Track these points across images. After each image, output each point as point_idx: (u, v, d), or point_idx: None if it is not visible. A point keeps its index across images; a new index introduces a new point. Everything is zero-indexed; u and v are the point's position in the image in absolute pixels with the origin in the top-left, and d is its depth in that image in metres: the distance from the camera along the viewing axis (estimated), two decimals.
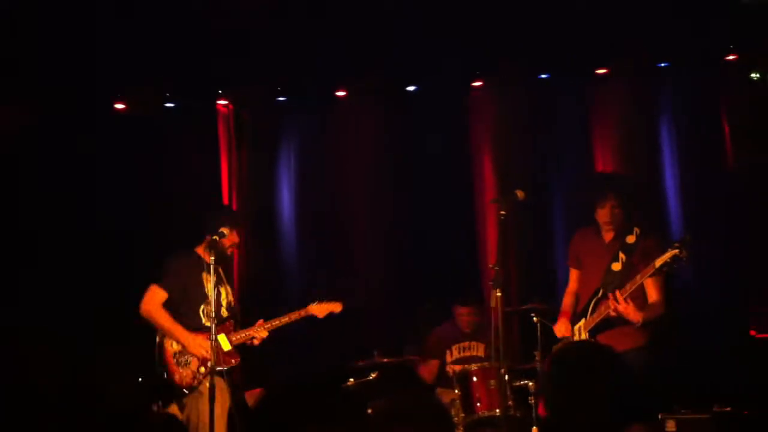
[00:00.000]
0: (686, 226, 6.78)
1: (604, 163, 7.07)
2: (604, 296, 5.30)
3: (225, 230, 5.26)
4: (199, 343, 5.26)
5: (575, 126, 7.11)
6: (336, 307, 5.82)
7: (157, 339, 5.36)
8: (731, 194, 6.71)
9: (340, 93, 7.34)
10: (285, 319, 5.61)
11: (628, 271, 5.25)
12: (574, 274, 5.78)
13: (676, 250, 4.94)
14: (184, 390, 5.25)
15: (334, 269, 7.24)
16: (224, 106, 7.43)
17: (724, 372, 6.15)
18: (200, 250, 5.45)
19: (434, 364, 6.75)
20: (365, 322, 6.95)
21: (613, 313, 5.17)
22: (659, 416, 5.58)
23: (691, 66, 6.86)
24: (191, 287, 5.37)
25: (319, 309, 5.75)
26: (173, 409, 5.24)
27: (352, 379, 6.17)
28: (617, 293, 5.13)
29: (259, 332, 5.52)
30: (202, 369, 5.26)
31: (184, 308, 5.35)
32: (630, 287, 5.12)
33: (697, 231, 6.67)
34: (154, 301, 5.32)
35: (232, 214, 5.77)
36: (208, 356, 5.09)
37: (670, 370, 5.95)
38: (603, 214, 5.47)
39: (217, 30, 6.48)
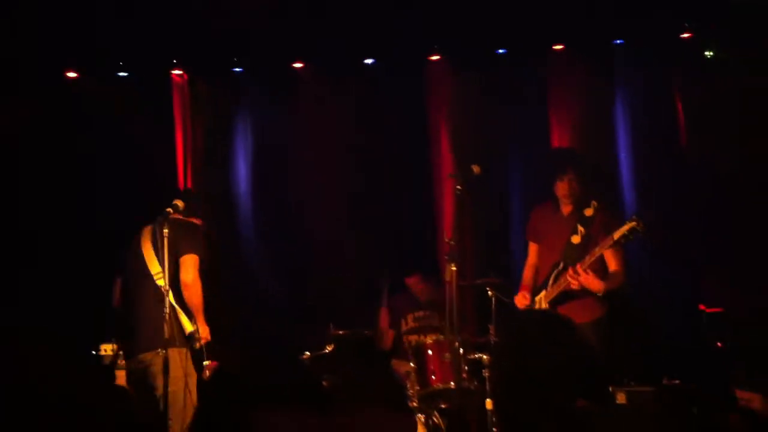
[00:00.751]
0: (639, 201, 6.88)
1: (560, 138, 7.12)
2: (565, 268, 5.38)
3: (178, 203, 5.12)
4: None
5: (532, 102, 7.13)
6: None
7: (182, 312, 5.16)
8: (684, 170, 6.81)
9: (298, 65, 7.27)
10: None
11: (587, 243, 5.34)
12: (533, 248, 5.85)
13: (634, 223, 5.03)
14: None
15: (291, 244, 7.23)
16: (179, 75, 7.33)
17: (673, 346, 6.27)
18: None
19: (390, 335, 6.78)
20: (323, 296, 6.96)
21: (574, 286, 5.24)
22: (609, 389, 5.67)
23: (645, 43, 6.90)
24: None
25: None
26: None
27: (307, 353, 6.17)
28: (577, 266, 5.20)
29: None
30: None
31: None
32: (589, 259, 5.21)
33: (650, 206, 6.85)
34: (197, 272, 5.13)
35: (195, 198, 5.60)
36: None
37: (622, 343, 6.05)
38: (562, 187, 5.56)
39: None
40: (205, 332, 5.13)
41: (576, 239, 5.41)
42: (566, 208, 5.61)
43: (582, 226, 5.41)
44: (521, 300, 5.64)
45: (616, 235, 5.07)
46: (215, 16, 6.54)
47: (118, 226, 6.47)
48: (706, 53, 6.81)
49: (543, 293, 5.58)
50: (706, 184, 6.73)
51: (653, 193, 6.86)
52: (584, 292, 5.31)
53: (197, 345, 5.05)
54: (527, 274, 5.83)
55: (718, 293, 6.43)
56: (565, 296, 5.40)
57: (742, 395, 4.77)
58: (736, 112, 6.52)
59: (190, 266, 5.06)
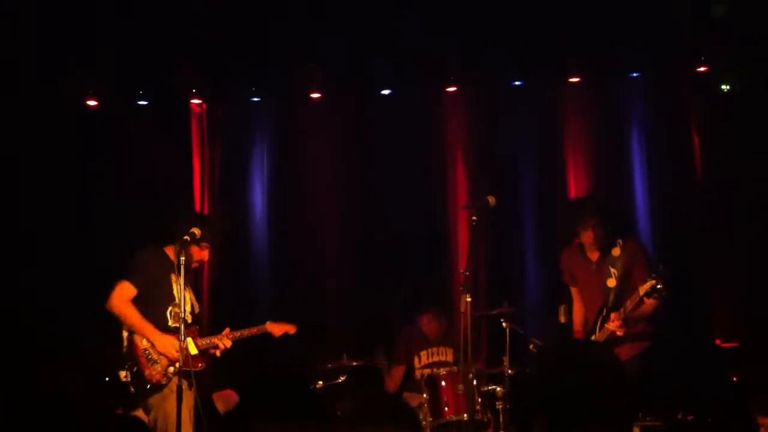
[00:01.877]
0: (655, 234, 6.88)
1: (575, 169, 7.14)
2: (608, 315, 5.40)
3: (196, 231, 5.13)
4: (169, 342, 5.20)
5: (548, 133, 7.16)
6: (291, 329, 5.75)
7: (125, 334, 5.27)
8: (700, 203, 6.80)
9: (315, 95, 7.34)
10: (246, 332, 5.54)
11: (624, 283, 5.34)
12: (573, 292, 5.85)
13: (654, 281, 5.08)
14: (152, 387, 5.17)
15: (305, 271, 7.25)
16: (198, 105, 7.41)
17: (688, 380, 6.23)
18: (169, 251, 5.39)
19: (400, 371, 6.74)
20: (336, 326, 6.97)
21: (620, 333, 5.29)
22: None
23: (662, 76, 6.93)
24: (158, 286, 5.27)
25: (275, 328, 5.68)
26: (139, 412, 5.17)
27: (320, 382, 6.17)
28: (612, 315, 5.27)
29: (224, 341, 5.42)
30: (171, 369, 5.20)
31: (151, 307, 5.26)
32: (623, 311, 5.24)
33: (665, 239, 6.84)
34: (123, 296, 5.22)
35: (207, 225, 5.54)
36: (177, 356, 5.07)
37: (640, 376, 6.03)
38: (587, 237, 5.58)
39: (190, 30, 6.49)
40: (162, 350, 5.21)
41: (611, 282, 5.43)
42: (594, 254, 5.62)
43: (613, 267, 5.44)
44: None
45: (642, 290, 5.14)
46: (234, 46, 6.63)
47: (90, 224, 6.57)
48: (722, 86, 6.82)
49: (593, 337, 5.57)
50: (723, 218, 6.72)
51: (669, 226, 6.85)
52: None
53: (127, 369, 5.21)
54: (576, 318, 5.81)
55: (734, 328, 6.40)
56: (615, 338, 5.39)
57: (764, 422, 4.78)
58: (754, 145, 6.51)
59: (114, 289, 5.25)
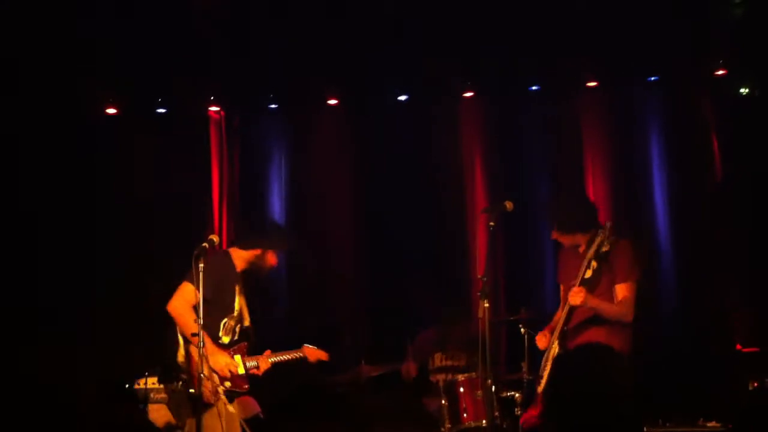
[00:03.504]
0: (674, 238, 6.84)
1: (594, 174, 7.12)
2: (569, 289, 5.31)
3: (214, 238, 4.88)
4: (223, 359, 5.01)
5: (566, 138, 7.15)
6: (323, 356, 5.56)
7: (181, 342, 5.01)
8: (720, 207, 6.76)
9: (332, 102, 7.36)
10: (286, 357, 5.38)
11: (599, 275, 5.25)
12: (562, 292, 5.79)
13: (600, 237, 5.03)
14: (203, 405, 4.85)
15: (323, 278, 7.26)
16: (216, 112, 7.45)
17: (709, 386, 6.19)
18: (237, 258, 5.19)
19: (413, 368, 6.74)
20: (353, 331, 6.97)
21: (572, 301, 5.14)
22: (644, 429, 5.60)
23: (681, 80, 6.90)
24: (221, 295, 5.04)
25: (310, 353, 5.50)
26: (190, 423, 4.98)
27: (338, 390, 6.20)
28: (566, 295, 5.18)
29: (264, 363, 5.25)
30: (221, 388, 5.01)
31: (208, 316, 4.88)
32: (581, 273, 5.14)
33: (685, 243, 6.80)
34: (185, 300, 4.93)
35: (281, 237, 5.43)
36: (228, 376, 4.99)
37: (658, 382, 5.99)
38: (558, 239, 5.52)
39: (210, 37, 6.53)
40: (214, 365, 5.00)
41: (588, 273, 5.32)
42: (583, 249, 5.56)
43: (596, 260, 5.32)
44: (541, 339, 5.52)
45: (589, 254, 5.08)
46: (251, 54, 6.66)
47: (156, 259, 6.61)
48: (741, 90, 6.79)
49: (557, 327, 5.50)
50: (743, 222, 6.68)
51: (688, 230, 6.82)
52: (591, 323, 5.23)
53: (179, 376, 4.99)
54: (556, 316, 5.73)
55: (755, 333, 6.35)
56: (575, 331, 5.30)
57: None
58: None
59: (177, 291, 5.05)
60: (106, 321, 6.63)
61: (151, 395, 5.31)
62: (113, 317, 6.64)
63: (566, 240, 5.40)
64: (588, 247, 5.26)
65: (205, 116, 7.43)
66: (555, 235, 5.43)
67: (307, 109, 7.46)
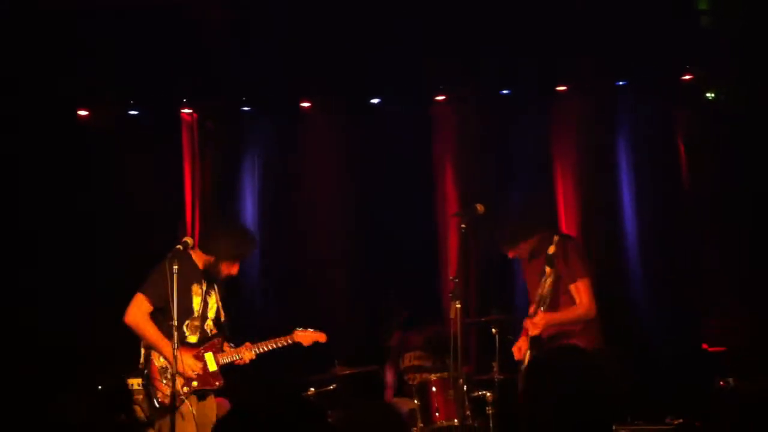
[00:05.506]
0: (641, 240, 6.95)
1: (563, 176, 7.19)
2: (535, 312, 5.38)
3: (189, 240, 4.99)
4: (187, 360, 5.00)
5: (535, 141, 7.22)
6: (321, 337, 5.59)
7: (143, 351, 5.08)
8: (686, 209, 6.87)
9: (305, 104, 7.38)
10: (272, 345, 5.37)
11: (556, 284, 5.33)
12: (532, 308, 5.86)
13: (552, 279, 5.16)
14: (162, 408, 4.95)
15: (295, 279, 7.29)
16: (188, 114, 7.44)
17: (676, 384, 6.29)
18: (198, 258, 5.19)
19: (391, 372, 6.79)
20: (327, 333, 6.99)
21: (532, 333, 5.24)
22: (613, 427, 5.67)
23: (648, 85, 7.00)
24: (178, 299, 4.98)
25: (305, 336, 5.51)
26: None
27: (312, 389, 6.21)
28: (526, 322, 5.25)
29: (246, 354, 5.27)
30: (185, 389, 5.00)
31: (169, 320, 4.93)
32: (537, 312, 5.20)
33: (654, 246, 6.91)
34: (140, 311, 4.99)
35: (250, 241, 5.45)
36: (193, 376, 5.01)
37: (625, 380, 6.08)
38: (510, 255, 5.58)
39: (182, 40, 6.53)
40: (179, 368, 4.94)
41: (545, 282, 5.38)
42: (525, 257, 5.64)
43: (548, 266, 5.39)
44: (516, 350, 5.58)
45: (544, 290, 5.20)
46: (225, 57, 6.67)
47: (126, 262, 6.59)
48: (707, 94, 6.90)
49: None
50: (708, 223, 6.79)
51: (654, 232, 6.92)
52: (560, 333, 5.32)
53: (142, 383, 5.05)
54: (526, 321, 5.78)
55: (721, 332, 6.46)
56: (549, 342, 5.36)
57: None
58: (737, 151, 6.59)
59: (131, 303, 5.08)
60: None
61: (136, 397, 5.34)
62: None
63: (518, 251, 5.46)
64: (534, 255, 5.36)
65: (177, 118, 7.41)
66: (506, 252, 5.49)
67: (280, 111, 7.47)
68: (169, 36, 6.57)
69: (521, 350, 5.51)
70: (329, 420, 5.16)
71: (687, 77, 6.89)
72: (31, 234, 6.79)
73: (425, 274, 7.24)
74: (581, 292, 5.32)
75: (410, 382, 6.32)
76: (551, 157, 7.21)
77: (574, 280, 5.27)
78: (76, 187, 7.02)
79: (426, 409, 5.82)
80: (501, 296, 6.79)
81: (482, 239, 6.06)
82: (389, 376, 6.77)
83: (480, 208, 5.32)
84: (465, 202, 6.63)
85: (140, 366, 5.10)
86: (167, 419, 4.85)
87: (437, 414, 5.79)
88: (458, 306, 5.11)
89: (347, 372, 6.24)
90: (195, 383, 5.04)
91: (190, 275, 5.13)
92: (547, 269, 5.34)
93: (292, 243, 7.40)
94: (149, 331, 5.00)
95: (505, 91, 7.23)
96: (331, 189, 7.38)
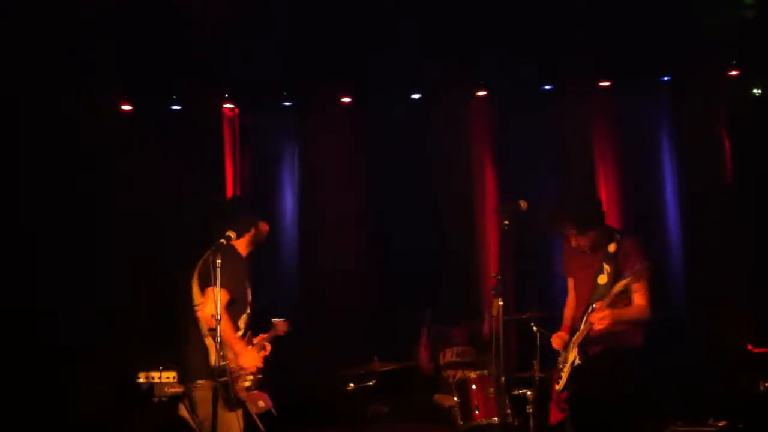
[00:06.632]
0: (685, 239, 6.86)
1: (605, 173, 7.13)
2: (593, 311, 5.32)
3: (231, 233, 4.90)
4: (251, 355, 5.00)
5: (578, 137, 7.16)
6: (286, 326, 5.48)
7: (210, 344, 4.86)
8: (731, 208, 6.77)
9: (346, 99, 7.38)
10: (268, 337, 5.33)
11: (614, 282, 5.27)
12: (570, 284, 5.79)
13: (627, 280, 5.02)
14: (240, 403, 4.91)
15: (334, 276, 7.28)
16: (229, 109, 7.48)
17: (720, 385, 6.20)
18: (240, 246, 5.13)
19: (430, 368, 6.77)
20: (364, 329, 7.00)
21: (598, 327, 5.17)
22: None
23: (693, 81, 6.91)
24: (240, 293, 4.99)
25: (281, 327, 5.44)
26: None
27: (352, 384, 6.22)
28: (597, 305, 5.17)
29: (267, 344, 5.24)
30: (247, 383, 4.99)
31: (233, 315, 4.89)
32: (601, 305, 5.15)
33: (696, 245, 6.81)
34: (222, 305, 4.71)
35: (251, 206, 5.50)
36: (255, 371, 5.01)
37: (667, 381, 6.01)
38: (573, 243, 5.50)
39: (222, 35, 6.56)
40: (245, 363, 4.97)
41: (602, 279, 5.30)
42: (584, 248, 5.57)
43: (607, 263, 5.33)
44: (557, 339, 5.52)
45: (616, 289, 5.09)
46: (266, 52, 6.68)
47: (168, 256, 6.64)
48: (754, 91, 6.80)
49: (575, 336, 5.51)
50: (754, 222, 6.69)
51: (699, 231, 6.83)
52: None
53: (221, 380, 4.79)
54: (567, 313, 5.73)
55: (765, 334, 6.37)
56: (596, 338, 5.31)
57: None
58: None
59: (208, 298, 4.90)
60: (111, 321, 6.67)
61: (165, 389, 5.33)
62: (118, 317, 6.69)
63: (583, 241, 5.38)
64: (595, 248, 5.29)
65: (219, 113, 7.45)
66: (573, 238, 5.39)
67: (320, 107, 7.47)
68: (207, 33, 6.58)
69: (562, 340, 5.44)
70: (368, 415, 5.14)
71: (733, 73, 6.79)
72: (37, 224, 6.84)
73: (464, 271, 7.20)
74: (641, 293, 5.26)
75: (449, 379, 6.30)
76: (594, 152, 7.14)
77: (638, 280, 5.18)
78: (119, 180, 7.06)
79: (466, 406, 5.80)
80: (542, 293, 6.74)
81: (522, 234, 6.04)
82: (423, 357, 6.73)
83: (523, 204, 5.27)
84: (507, 198, 6.57)
85: (210, 362, 4.87)
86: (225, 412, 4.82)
87: (477, 411, 5.77)
88: (501, 303, 5.07)
89: (385, 368, 6.24)
90: (251, 377, 5.03)
91: (242, 269, 5.10)
92: (606, 266, 5.28)
93: (330, 240, 7.38)
94: (230, 326, 4.87)
95: (546, 87, 7.17)
96: (371, 185, 7.36)
